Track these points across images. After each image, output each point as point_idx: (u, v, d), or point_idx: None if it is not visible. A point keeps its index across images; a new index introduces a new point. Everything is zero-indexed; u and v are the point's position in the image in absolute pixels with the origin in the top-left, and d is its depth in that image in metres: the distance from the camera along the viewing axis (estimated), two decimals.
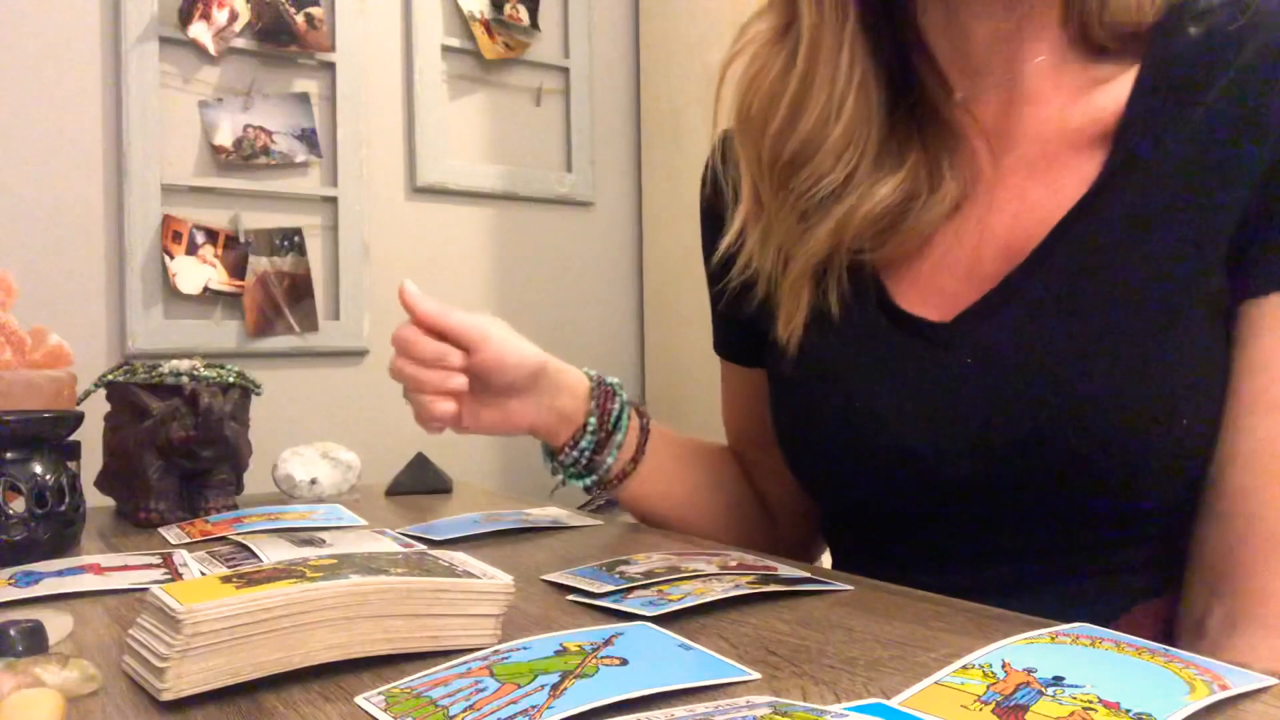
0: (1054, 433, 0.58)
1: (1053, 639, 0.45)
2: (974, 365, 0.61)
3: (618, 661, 0.44)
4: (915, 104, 0.67)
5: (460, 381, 0.72)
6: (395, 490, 1.08)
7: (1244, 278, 0.58)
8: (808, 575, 0.62)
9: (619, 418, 0.78)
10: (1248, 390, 0.57)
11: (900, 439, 0.63)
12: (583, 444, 0.77)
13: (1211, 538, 0.59)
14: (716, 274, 0.78)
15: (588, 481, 0.79)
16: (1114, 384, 0.57)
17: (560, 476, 0.80)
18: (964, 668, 0.42)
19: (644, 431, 0.80)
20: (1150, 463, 0.58)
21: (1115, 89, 0.62)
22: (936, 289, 0.66)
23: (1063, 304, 0.59)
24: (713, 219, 0.79)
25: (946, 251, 0.66)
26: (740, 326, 0.78)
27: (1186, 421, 0.57)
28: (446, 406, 0.72)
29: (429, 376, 0.71)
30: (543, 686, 0.41)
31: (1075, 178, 0.62)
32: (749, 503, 0.85)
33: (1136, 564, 0.62)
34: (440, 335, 0.72)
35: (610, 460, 0.78)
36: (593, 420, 0.77)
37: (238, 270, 1.76)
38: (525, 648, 0.46)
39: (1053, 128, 0.64)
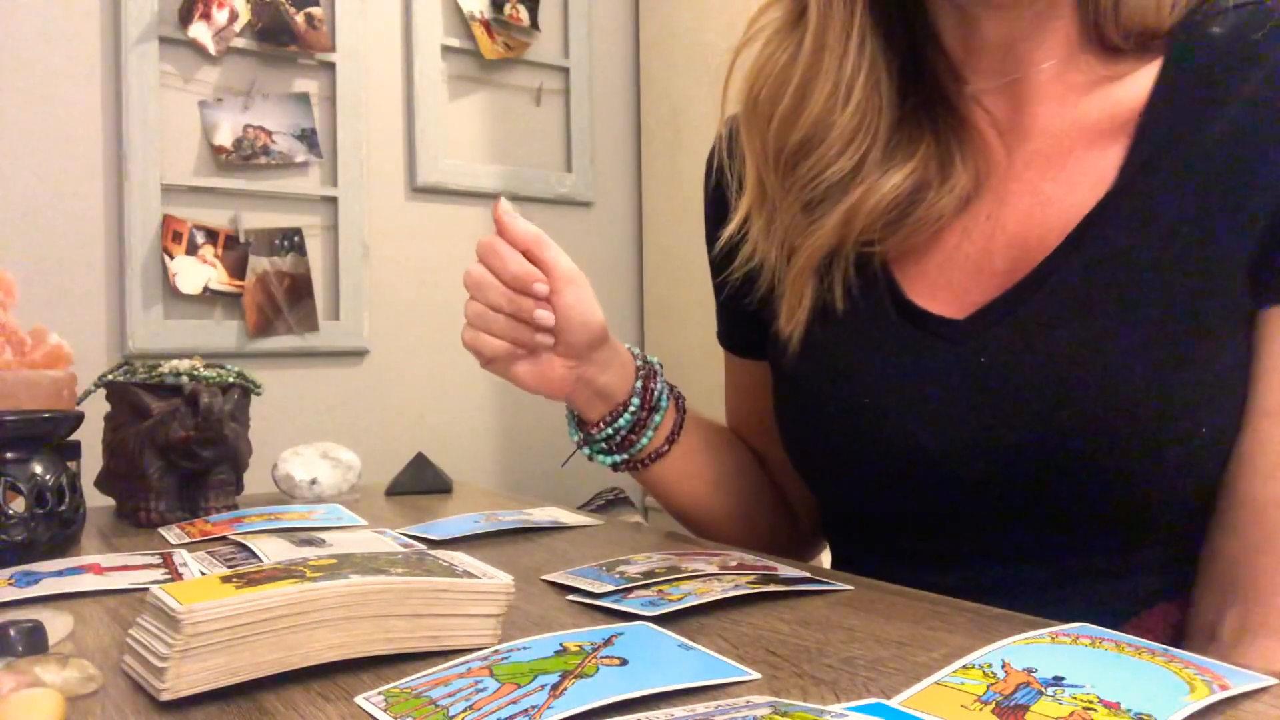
0: (1068, 435, 0.57)
1: (1053, 639, 0.45)
2: (988, 364, 0.60)
3: (618, 661, 0.44)
4: (927, 95, 0.67)
5: (547, 317, 0.68)
6: (395, 490, 1.08)
7: (1266, 284, 0.57)
8: (808, 575, 0.62)
9: (660, 398, 0.76)
10: (1267, 398, 0.57)
11: (909, 436, 0.63)
12: (620, 422, 0.75)
13: (1226, 544, 0.58)
14: (719, 264, 0.77)
15: (616, 459, 0.77)
16: (1131, 388, 0.56)
17: (586, 451, 0.78)
18: (964, 668, 0.42)
19: (680, 413, 0.78)
20: (1166, 468, 0.57)
21: (1133, 84, 0.61)
22: (946, 284, 0.65)
23: (1080, 305, 0.58)
24: (717, 207, 0.78)
25: (957, 246, 0.65)
26: (743, 318, 0.77)
27: (1205, 429, 0.57)
28: (500, 345, 0.69)
29: (511, 302, 0.67)
30: (543, 686, 0.41)
31: (1091, 174, 0.61)
32: (769, 491, 0.84)
33: (1148, 567, 0.62)
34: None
35: (644, 441, 0.76)
36: (636, 400, 0.75)
37: (238, 270, 1.76)
38: (525, 648, 0.46)
39: (1067, 122, 0.63)
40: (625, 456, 0.77)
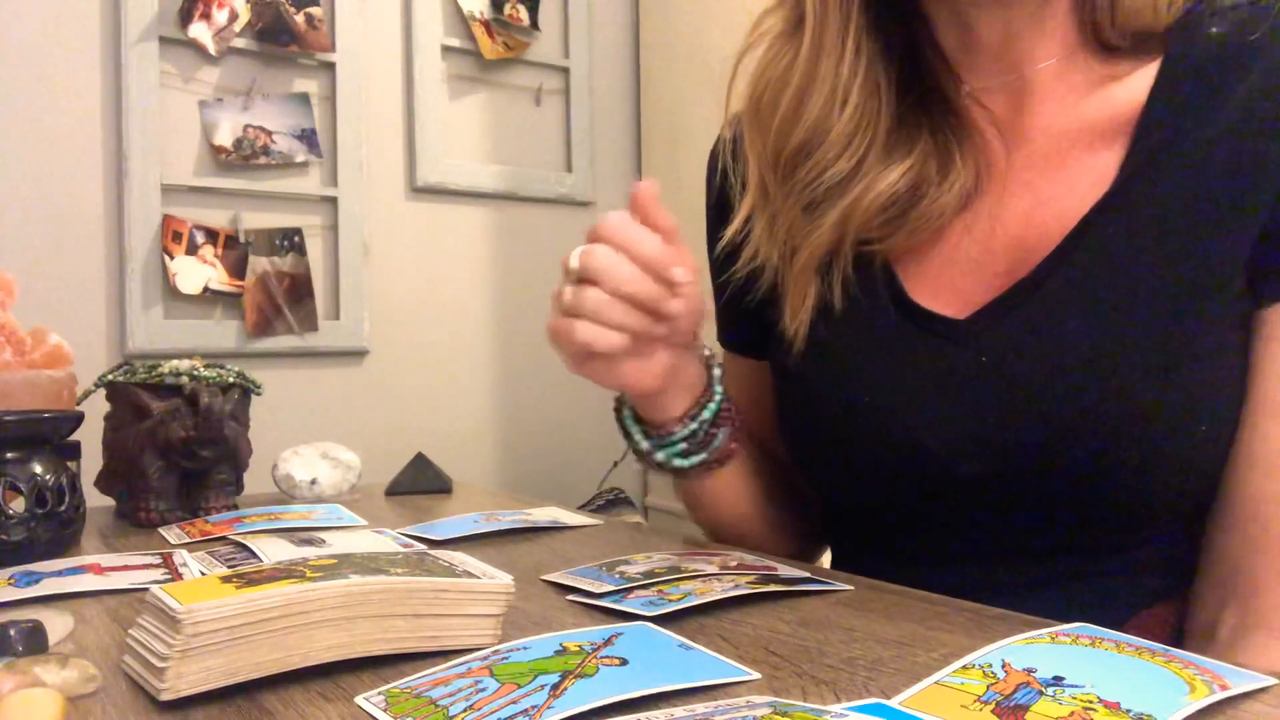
0: (1068, 434, 0.57)
1: (1053, 639, 0.45)
2: (989, 363, 0.61)
3: (618, 661, 0.44)
4: (926, 95, 0.67)
5: (680, 305, 0.60)
6: (395, 490, 1.08)
7: (1264, 282, 0.57)
8: (808, 575, 0.62)
9: (723, 390, 0.70)
10: (1266, 396, 0.57)
11: (911, 435, 0.63)
12: (705, 414, 0.68)
13: (1225, 543, 0.58)
14: (721, 264, 0.77)
15: (696, 460, 0.69)
16: (1131, 387, 0.56)
17: (661, 455, 0.69)
18: (964, 668, 0.42)
19: (736, 411, 0.72)
20: (1166, 467, 0.57)
21: (1131, 85, 0.61)
22: (948, 283, 0.65)
23: (1081, 304, 0.58)
24: (720, 209, 0.77)
25: (957, 245, 0.65)
26: (745, 317, 0.77)
27: (1205, 426, 0.57)
28: (619, 339, 0.60)
29: (646, 289, 0.59)
30: (543, 686, 0.41)
31: (1090, 174, 0.61)
32: (796, 493, 0.80)
33: (1148, 567, 0.62)
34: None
35: (722, 435, 0.69)
36: (719, 389, 0.69)
37: (238, 270, 1.76)
38: (525, 648, 0.46)
39: (1065, 123, 0.63)
40: (705, 455, 0.69)
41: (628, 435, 0.71)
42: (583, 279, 0.61)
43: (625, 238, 0.61)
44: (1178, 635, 0.61)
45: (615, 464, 0.77)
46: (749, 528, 0.78)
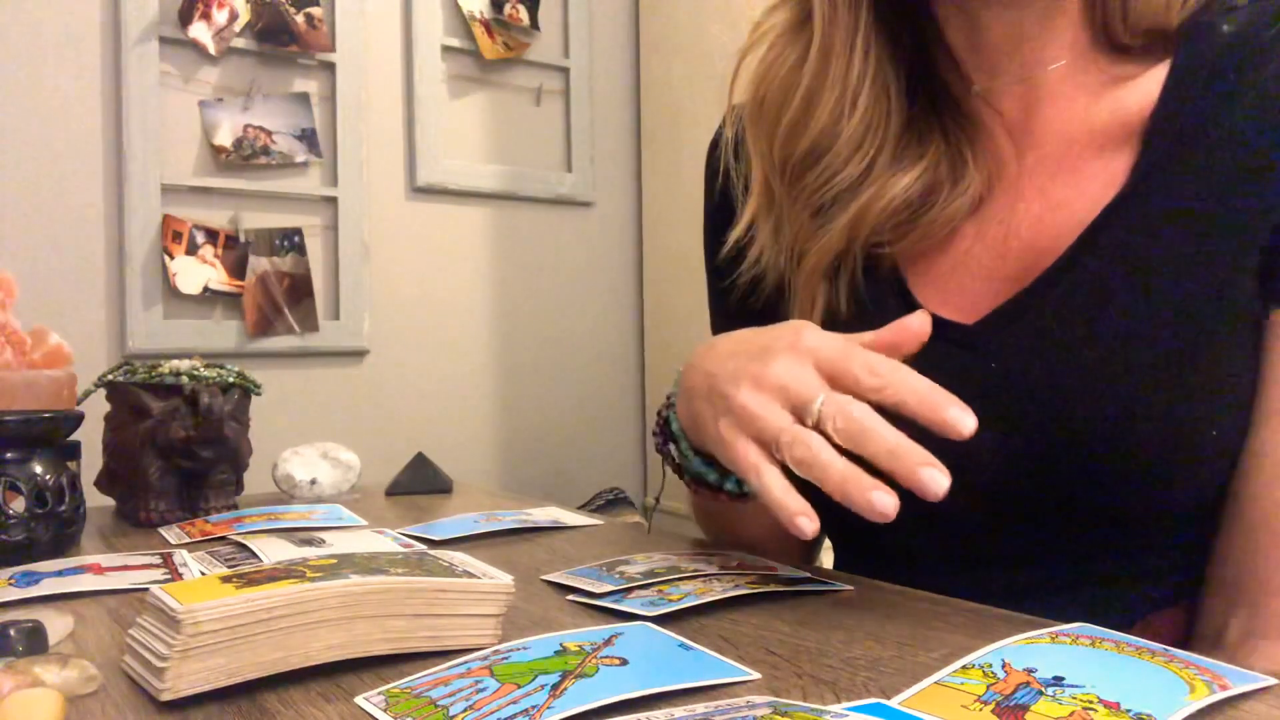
0: (1079, 440, 0.57)
1: (1053, 639, 0.45)
2: (998, 369, 0.60)
3: (618, 661, 0.44)
4: (935, 96, 0.66)
5: (942, 481, 0.51)
6: (395, 490, 1.08)
7: (1273, 286, 0.57)
8: (808, 575, 0.62)
9: None
10: (1276, 399, 0.56)
11: (919, 442, 0.62)
12: None
13: (1233, 547, 0.58)
14: (725, 269, 0.76)
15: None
16: (1143, 392, 0.56)
17: (729, 485, 0.64)
18: (964, 668, 0.42)
19: None
20: (1176, 472, 0.57)
21: (1142, 87, 0.61)
22: (958, 288, 0.64)
23: (1090, 309, 0.58)
24: (722, 209, 0.77)
25: (968, 250, 0.65)
26: (750, 320, 0.76)
27: (1215, 431, 0.56)
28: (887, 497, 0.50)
29: (896, 447, 0.50)
30: (543, 686, 0.41)
31: (1101, 178, 0.61)
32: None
33: (1155, 571, 0.61)
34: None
35: None
36: None
37: (238, 270, 1.76)
38: (525, 648, 0.46)
39: (1076, 126, 0.63)
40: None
41: (683, 469, 0.66)
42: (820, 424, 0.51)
43: (890, 375, 0.51)
44: (1186, 640, 0.61)
45: (657, 500, 0.74)
46: (769, 536, 0.76)
